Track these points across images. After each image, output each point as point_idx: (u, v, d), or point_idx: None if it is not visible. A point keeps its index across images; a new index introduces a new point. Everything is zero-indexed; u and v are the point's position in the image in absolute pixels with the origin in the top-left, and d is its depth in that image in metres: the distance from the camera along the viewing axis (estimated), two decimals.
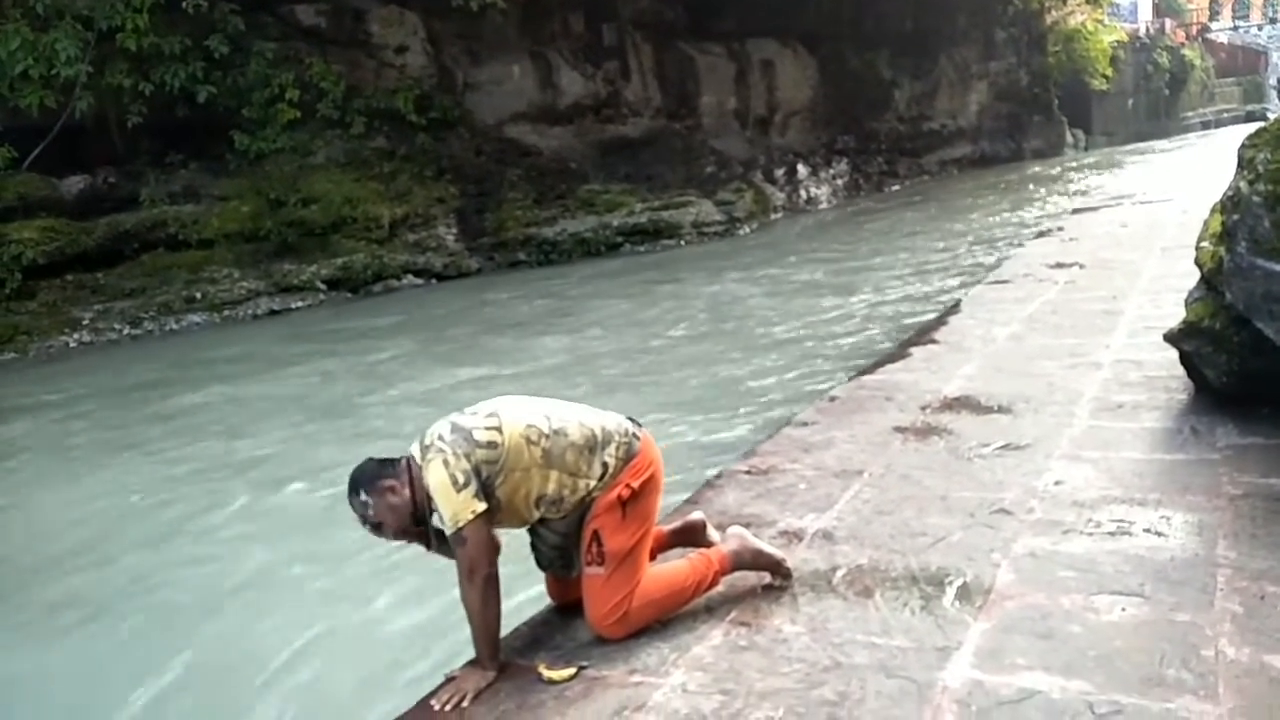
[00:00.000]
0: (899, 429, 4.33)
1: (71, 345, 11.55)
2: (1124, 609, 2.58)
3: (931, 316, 7.56)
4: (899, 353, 5.99)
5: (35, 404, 8.45)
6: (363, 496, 2.54)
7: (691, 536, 3.02)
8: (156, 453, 6.54)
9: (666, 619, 2.72)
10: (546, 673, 2.55)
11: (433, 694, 2.55)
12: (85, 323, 11.94)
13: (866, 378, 5.40)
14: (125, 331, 12.01)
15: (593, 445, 2.65)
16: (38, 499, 5.81)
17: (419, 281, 14.35)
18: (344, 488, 2.61)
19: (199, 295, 12.67)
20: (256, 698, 3.44)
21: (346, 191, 14.28)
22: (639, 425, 2.81)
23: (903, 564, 2.96)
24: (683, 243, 16.60)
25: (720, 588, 2.83)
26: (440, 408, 2.82)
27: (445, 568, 2.67)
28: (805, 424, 4.58)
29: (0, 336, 11.26)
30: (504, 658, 2.62)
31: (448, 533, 2.51)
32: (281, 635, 3.80)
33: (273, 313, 12.85)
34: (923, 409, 4.60)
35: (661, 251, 15.97)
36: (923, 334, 6.50)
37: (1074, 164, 27.55)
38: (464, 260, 15.07)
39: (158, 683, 3.57)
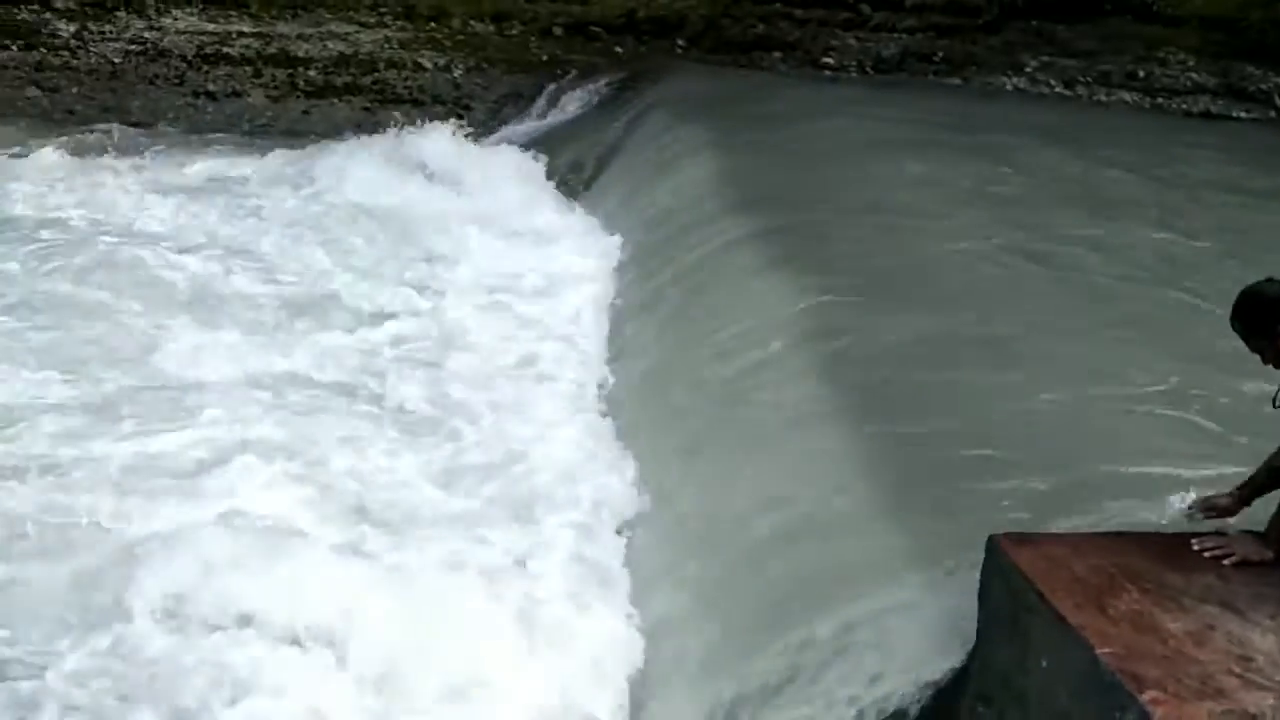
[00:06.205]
0: None
1: (1007, 88, 12.27)
2: None
3: None
4: None
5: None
6: (1257, 338, 2.40)
7: None
8: None
9: None
10: None
11: (1196, 534, 2.51)
12: (1027, 69, 12.45)
13: None
14: (1054, 88, 12.23)
15: None
16: None
17: None
18: None
19: (1141, 73, 12.09)
20: None
21: None
22: None
23: None
24: None
25: None
26: None
27: None
28: None
29: (961, 63, 12.53)
30: None
31: None
32: None
33: (1208, 115, 11.64)
34: None
35: None
36: None
37: None
38: None
39: None
